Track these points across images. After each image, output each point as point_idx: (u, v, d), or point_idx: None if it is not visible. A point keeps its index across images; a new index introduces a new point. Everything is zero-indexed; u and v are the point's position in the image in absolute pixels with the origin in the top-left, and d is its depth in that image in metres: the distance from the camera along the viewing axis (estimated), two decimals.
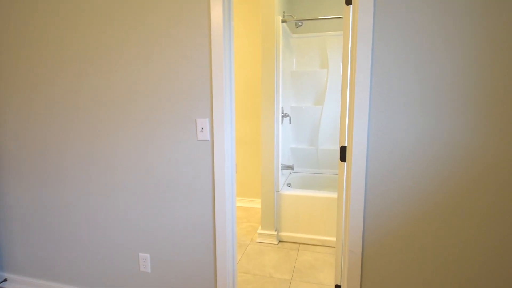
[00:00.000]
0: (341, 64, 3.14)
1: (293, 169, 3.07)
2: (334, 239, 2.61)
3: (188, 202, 1.67)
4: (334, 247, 2.62)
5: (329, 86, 3.18)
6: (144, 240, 1.78)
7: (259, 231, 2.76)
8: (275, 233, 2.72)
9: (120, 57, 1.65)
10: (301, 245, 2.68)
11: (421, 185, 1.37)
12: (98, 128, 1.75)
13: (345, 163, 1.61)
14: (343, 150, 1.57)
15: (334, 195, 2.59)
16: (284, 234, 2.74)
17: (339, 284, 1.69)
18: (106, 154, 1.76)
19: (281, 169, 2.83)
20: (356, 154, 1.41)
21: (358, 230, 1.47)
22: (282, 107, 2.76)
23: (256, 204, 3.60)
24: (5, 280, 2.12)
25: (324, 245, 2.64)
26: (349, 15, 1.49)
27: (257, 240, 2.76)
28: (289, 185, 3.05)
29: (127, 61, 1.64)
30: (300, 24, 2.87)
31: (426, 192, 1.37)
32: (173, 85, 1.59)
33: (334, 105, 3.20)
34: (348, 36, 1.53)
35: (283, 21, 2.61)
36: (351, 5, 1.48)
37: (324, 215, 2.62)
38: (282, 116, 2.81)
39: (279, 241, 2.75)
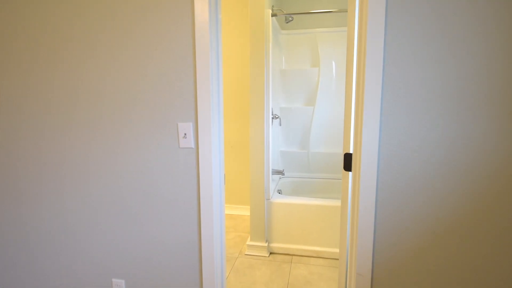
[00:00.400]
0: (333, 62, 2.98)
1: (283, 174, 2.87)
2: (329, 249, 2.43)
3: (169, 220, 1.43)
4: (329, 259, 2.44)
5: (320, 85, 3.00)
6: (119, 264, 1.53)
7: (249, 242, 2.55)
8: (266, 244, 2.52)
9: (90, 49, 1.39)
10: (294, 257, 2.49)
11: (441, 200, 1.19)
12: (66, 133, 1.49)
13: (350, 172, 1.42)
14: (347, 158, 1.38)
15: (328, 202, 2.40)
16: (276, 245, 2.54)
17: None
18: (69, 162, 1.50)
19: (271, 174, 2.63)
20: (366, 163, 1.22)
21: (366, 250, 1.28)
22: (271, 108, 2.56)
23: (244, 211, 3.38)
24: None
25: (318, 256, 2.46)
26: (355, 2, 1.30)
27: (246, 253, 2.55)
28: (279, 192, 2.85)
29: (96, 54, 1.39)
30: (290, 19, 2.68)
31: (447, 208, 1.19)
32: (148, 82, 1.35)
33: (326, 105, 3.03)
34: (353, 27, 1.34)
35: (273, 15, 2.41)
36: None
37: (318, 224, 2.43)
38: (272, 118, 2.61)
39: (270, 253, 2.55)
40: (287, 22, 2.70)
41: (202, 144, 1.33)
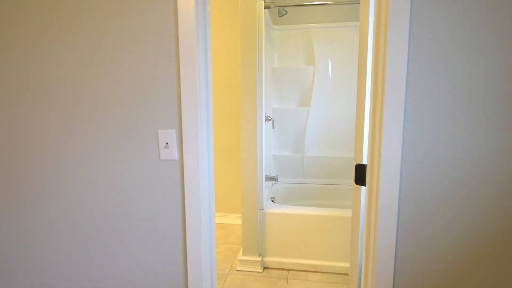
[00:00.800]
0: (329, 60, 2.78)
1: (277, 180, 2.66)
2: (328, 263, 2.24)
3: (149, 244, 1.20)
4: (328, 273, 2.24)
5: (316, 85, 2.80)
6: (99, 285, 1.28)
7: (240, 257, 2.32)
8: (259, 259, 2.30)
9: (43, 32, 1.14)
10: (290, 272, 2.28)
11: (473, 220, 1.00)
12: (25, 137, 1.22)
13: (364, 187, 1.22)
14: (360, 169, 1.18)
15: (328, 212, 2.21)
16: (270, 259, 2.32)
17: None
18: (30, 175, 1.24)
19: (264, 180, 2.41)
20: (386, 177, 1.01)
21: (386, 280, 1.07)
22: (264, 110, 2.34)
23: (234, 220, 3.16)
24: None
25: (317, 270, 2.26)
26: None
27: (238, 268, 2.32)
28: (272, 200, 2.64)
29: (49, 42, 1.13)
30: (284, 12, 2.47)
31: (480, 230, 1.00)
32: (122, 81, 1.11)
33: (321, 106, 2.83)
34: (367, 19, 1.13)
35: (265, 7, 2.19)
36: None
37: (317, 236, 2.23)
38: (265, 120, 2.39)
39: (264, 268, 2.33)
40: (280, 16, 2.49)
41: (187, 156, 1.10)
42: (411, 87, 0.97)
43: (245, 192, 2.29)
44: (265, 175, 2.52)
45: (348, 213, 2.19)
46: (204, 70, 1.12)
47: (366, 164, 1.17)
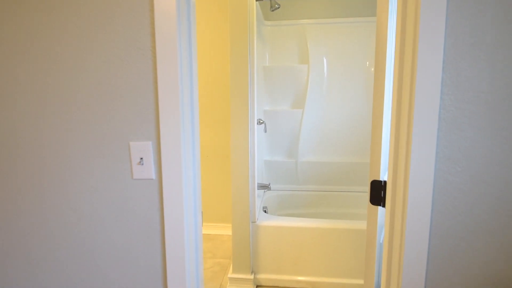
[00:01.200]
0: (325, 59, 2.60)
1: (269, 188, 2.46)
2: (326, 280, 2.05)
3: (122, 281, 0.97)
4: None
5: (310, 85, 2.61)
6: None
7: (230, 275, 2.11)
8: (252, 276, 2.09)
9: None
10: None
11: None
12: None
13: (381, 207, 1.03)
14: (376, 187, 0.99)
15: (326, 224, 2.02)
16: (263, 276, 2.12)
17: None
18: None
19: (256, 189, 2.21)
20: (415, 198, 0.82)
21: None
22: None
23: (223, 230, 2.93)
24: None
25: None
26: None
27: (227, 287, 2.11)
28: (264, 210, 2.43)
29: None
30: (277, 6, 2.27)
31: None
32: (85, 82, 0.88)
33: (317, 108, 2.64)
34: (386, 4, 0.94)
35: (257, 0, 1.98)
36: None
37: (314, 250, 2.04)
38: (257, 123, 2.18)
39: (257, 286, 2.13)
40: (272, 10, 2.29)
41: (167, 174, 0.88)
42: (447, 89, 0.78)
43: (236, 203, 2.08)
44: (257, 183, 2.31)
45: (347, 224, 2.01)
46: (187, 68, 0.90)
47: (384, 181, 0.98)
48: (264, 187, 2.45)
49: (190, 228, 0.94)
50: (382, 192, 0.98)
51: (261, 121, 2.47)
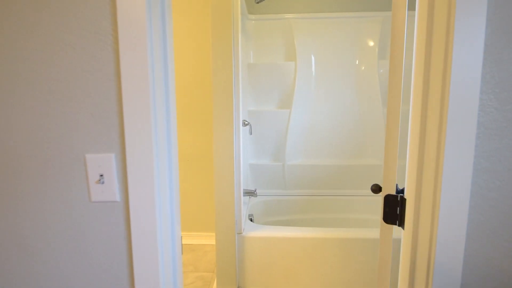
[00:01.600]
0: (313, 56, 2.45)
1: (255, 195, 2.29)
2: None
3: None
4: None
5: (298, 84, 2.46)
6: None
7: None
8: None
9: None
10: None
11: None
12: None
13: (396, 227, 0.87)
14: (391, 203, 0.83)
15: (319, 233, 1.87)
16: None
17: None
18: None
19: (242, 196, 2.03)
20: (447, 219, 0.67)
21: None
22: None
23: (206, 239, 2.73)
24: None
25: None
26: None
27: None
28: (250, 218, 2.26)
29: None
30: None
31: None
32: (21, 76, 0.67)
33: (305, 108, 2.49)
34: None
35: None
36: None
37: (306, 262, 1.89)
38: (242, 125, 2.00)
39: None
40: (257, 2, 2.11)
41: (136, 193, 0.69)
42: (486, 87, 0.63)
43: (220, 214, 1.89)
44: (243, 189, 2.13)
45: (341, 233, 1.86)
46: (161, 58, 0.71)
47: (400, 196, 0.82)
48: (250, 193, 2.28)
49: (166, 259, 0.75)
50: (397, 209, 0.83)
51: (246, 123, 2.29)
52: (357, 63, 2.43)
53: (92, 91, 0.66)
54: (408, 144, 0.80)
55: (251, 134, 2.45)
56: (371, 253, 1.84)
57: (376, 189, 1.28)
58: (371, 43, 2.40)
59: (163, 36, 0.71)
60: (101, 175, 0.68)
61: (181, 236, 0.83)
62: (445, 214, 0.66)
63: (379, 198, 2.52)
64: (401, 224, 0.82)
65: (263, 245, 1.90)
